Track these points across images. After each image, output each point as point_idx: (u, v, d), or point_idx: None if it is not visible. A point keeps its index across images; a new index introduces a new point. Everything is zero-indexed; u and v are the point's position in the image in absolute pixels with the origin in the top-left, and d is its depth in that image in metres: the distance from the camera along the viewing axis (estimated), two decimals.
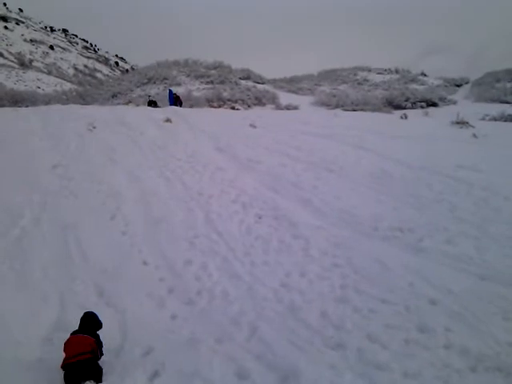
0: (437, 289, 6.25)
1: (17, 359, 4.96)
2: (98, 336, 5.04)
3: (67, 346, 4.83)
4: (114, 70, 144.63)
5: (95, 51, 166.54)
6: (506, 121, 23.33)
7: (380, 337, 5.30)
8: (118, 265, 7.33)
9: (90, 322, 5.11)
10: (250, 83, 41.81)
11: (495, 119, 24.03)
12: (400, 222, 8.66)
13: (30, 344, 5.23)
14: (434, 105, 33.65)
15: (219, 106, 31.18)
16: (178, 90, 32.40)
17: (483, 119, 23.86)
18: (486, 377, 4.52)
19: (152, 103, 26.07)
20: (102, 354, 4.99)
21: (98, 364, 4.76)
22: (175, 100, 26.19)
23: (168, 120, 18.89)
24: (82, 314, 5.75)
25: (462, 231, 8.12)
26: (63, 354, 4.75)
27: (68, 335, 5.23)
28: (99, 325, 5.17)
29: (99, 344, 4.97)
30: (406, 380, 4.56)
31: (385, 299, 6.12)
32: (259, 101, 35.71)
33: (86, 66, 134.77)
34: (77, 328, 5.07)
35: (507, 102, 30.80)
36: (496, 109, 26.14)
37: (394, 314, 5.78)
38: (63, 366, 4.68)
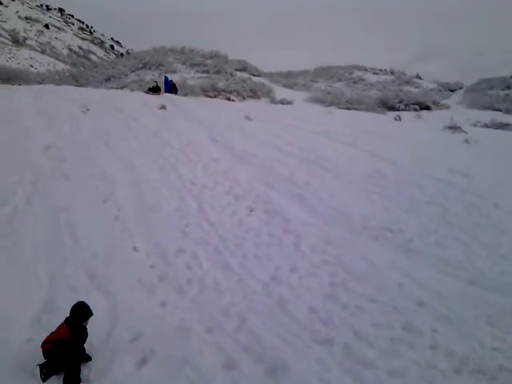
0: (425, 290, 6.35)
1: (5, 339, 4.94)
2: (79, 327, 4.81)
3: None
4: (108, 54, 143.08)
5: (91, 33, 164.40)
6: (497, 128, 23.61)
7: (367, 334, 5.38)
8: (110, 249, 7.31)
9: (73, 312, 4.89)
10: (245, 75, 41.70)
11: (487, 126, 24.31)
12: (391, 222, 8.74)
13: (19, 324, 5.21)
14: (427, 108, 33.87)
15: (214, 96, 31.07)
16: (174, 78, 32.17)
17: (475, 125, 24.11)
18: (470, 379, 4.62)
19: (157, 89, 23.89)
20: (80, 349, 4.76)
21: (57, 357, 4.63)
22: (171, 87, 25.95)
23: (163, 107, 18.80)
24: (71, 296, 5.80)
25: (451, 235, 8.23)
26: None
27: (57, 316, 5.25)
28: (83, 316, 4.88)
29: (76, 336, 4.73)
30: (392, 378, 4.65)
31: (373, 298, 6.20)
32: (254, 93, 35.62)
33: (80, 48, 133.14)
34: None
35: (499, 110, 31.12)
36: (488, 116, 26.44)
37: (381, 312, 5.87)
38: None
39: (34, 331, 5.11)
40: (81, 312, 4.88)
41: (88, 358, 4.81)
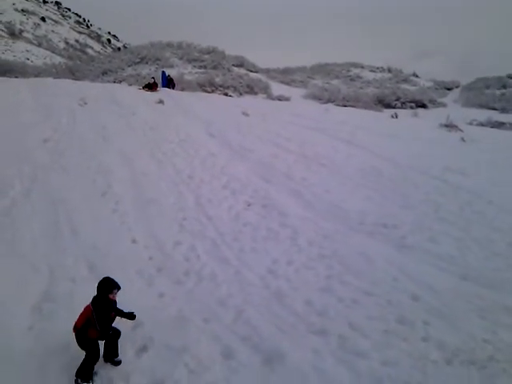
0: (418, 285, 6.47)
1: (7, 327, 5.03)
2: (105, 302, 4.58)
3: None
4: (105, 47, 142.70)
5: (88, 27, 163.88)
6: (492, 127, 23.74)
7: (362, 326, 5.50)
8: (108, 241, 7.40)
9: (98, 287, 4.69)
10: (242, 71, 41.73)
11: (482, 124, 24.43)
12: (386, 218, 8.85)
13: (20, 312, 5.30)
14: (424, 106, 34.00)
15: (212, 92, 31.09)
16: (171, 73, 32.17)
17: (471, 124, 24.23)
18: (461, 369, 4.75)
19: (153, 85, 22.44)
20: (104, 328, 4.53)
21: (83, 341, 4.51)
22: (168, 82, 25.96)
23: (160, 102, 18.85)
24: (71, 286, 5.89)
25: (445, 231, 8.35)
26: None
27: (57, 305, 5.35)
28: (107, 288, 4.65)
29: (98, 314, 4.52)
30: (385, 368, 4.76)
31: (368, 291, 6.32)
32: (251, 89, 35.66)
33: (77, 41, 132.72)
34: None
35: (495, 109, 31.29)
36: (484, 114, 26.60)
37: (376, 305, 5.99)
38: None
39: (34, 319, 5.20)
40: (104, 285, 4.67)
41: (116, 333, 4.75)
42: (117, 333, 4.74)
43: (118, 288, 4.73)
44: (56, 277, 6.24)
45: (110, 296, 4.64)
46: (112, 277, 6.17)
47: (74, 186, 9.45)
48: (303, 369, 4.70)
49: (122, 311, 4.81)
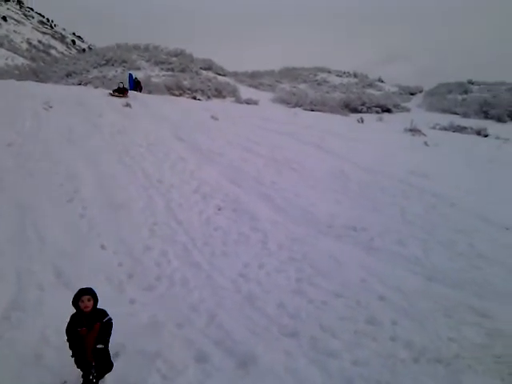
0: (386, 286, 6.62)
1: None
2: (77, 312, 4.35)
3: None
4: (70, 49, 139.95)
5: (51, 27, 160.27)
6: (454, 131, 24.56)
7: (332, 327, 5.59)
8: (76, 247, 7.29)
9: None
10: (211, 74, 41.78)
11: (445, 129, 25.23)
12: (354, 221, 9.02)
13: None
14: (389, 111, 34.81)
15: (180, 95, 30.99)
16: (138, 75, 31.86)
17: (434, 128, 24.97)
18: (428, 367, 4.89)
19: (123, 90, 21.39)
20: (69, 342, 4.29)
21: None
22: (135, 85, 25.69)
23: (128, 105, 18.68)
24: (39, 294, 5.78)
25: (411, 234, 8.58)
26: None
27: (26, 314, 5.24)
28: (74, 297, 4.35)
29: (72, 322, 4.32)
30: (356, 367, 4.87)
31: (338, 293, 6.43)
32: (219, 92, 35.75)
33: (40, 42, 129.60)
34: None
35: (457, 114, 32.31)
36: (446, 119, 27.42)
37: (345, 307, 6.10)
38: None
39: (3, 329, 5.07)
40: (74, 296, 4.37)
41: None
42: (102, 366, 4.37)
43: (88, 294, 4.35)
44: (23, 284, 6.11)
45: (81, 305, 4.30)
46: (82, 284, 6.09)
47: (40, 191, 9.27)
48: (276, 370, 4.75)
49: (104, 338, 4.36)
